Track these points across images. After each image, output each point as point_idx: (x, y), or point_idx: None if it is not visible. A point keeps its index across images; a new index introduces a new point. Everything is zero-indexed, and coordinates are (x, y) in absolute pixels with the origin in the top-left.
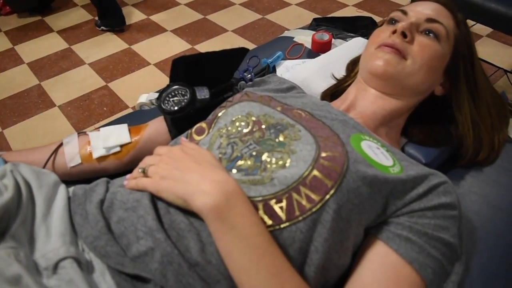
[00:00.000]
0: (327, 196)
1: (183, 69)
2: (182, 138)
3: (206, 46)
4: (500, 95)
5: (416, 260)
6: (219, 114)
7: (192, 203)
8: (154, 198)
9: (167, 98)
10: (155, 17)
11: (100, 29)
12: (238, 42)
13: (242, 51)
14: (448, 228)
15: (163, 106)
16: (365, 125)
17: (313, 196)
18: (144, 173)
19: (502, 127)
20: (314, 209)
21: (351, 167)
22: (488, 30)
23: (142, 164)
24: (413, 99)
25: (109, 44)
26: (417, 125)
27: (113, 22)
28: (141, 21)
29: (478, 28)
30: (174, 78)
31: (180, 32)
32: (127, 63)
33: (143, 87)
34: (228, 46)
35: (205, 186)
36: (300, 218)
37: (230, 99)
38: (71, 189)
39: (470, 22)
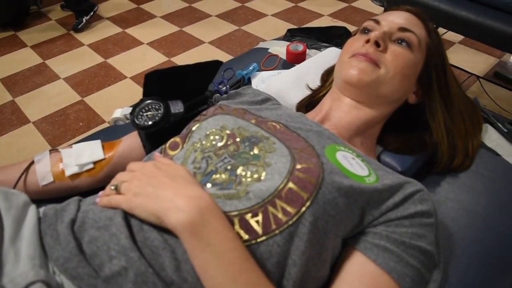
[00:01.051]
0: (303, 209)
1: (156, 83)
2: (156, 153)
3: (183, 58)
4: (473, 102)
5: (395, 270)
6: (193, 128)
7: (166, 219)
8: (127, 216)
9: (141, 113)
10: (130, 30)
11: (79, 26)
12: (215, 53)
13: (216, 64)
14: (425, 236)
15: (137, 121)
16: (340, 135)
17: (289, 208)
18: (117, 190)
19: (476, 133)
20: (290, 222)
21: (327, 178)
22: (460, 37)
23: (114, 181)
24: (387, 107)
25: (84, 58)
26: (392, 133)
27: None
28: (117, 34)
29: (450, 35)
30: (148, 92)
31: (156, 44)
32: (103, 77)
33: (119, 101)
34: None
35: (179, 202)
36: (277, 231)
37: (204, 112)
38: (42, 209)
39: (442, 30)
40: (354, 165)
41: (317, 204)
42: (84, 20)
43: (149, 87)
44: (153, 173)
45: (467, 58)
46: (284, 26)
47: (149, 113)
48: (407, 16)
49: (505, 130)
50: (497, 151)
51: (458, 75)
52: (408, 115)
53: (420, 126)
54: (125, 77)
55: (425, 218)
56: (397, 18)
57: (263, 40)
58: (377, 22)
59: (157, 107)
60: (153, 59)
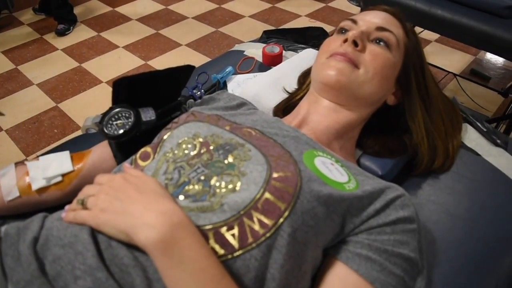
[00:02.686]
0: (281, 220)
1: (126, 90)
2: (126, 164)
3: (159, 61)
4: (452, 102)
5: (378, 280)
6: (165, 137)
7: (135, 237)
8: (95, 232)
9: (110, 122)
10: (105, 34)
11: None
12: (192, 56)
13: (188, 69)
14: (408, 243)
15: (106, 131)
16: (318, 140)
17: (266, 220)
18: (83, 204)
19: (456, 133)
20: (268, 234)
21: (305, 187)
22: (436, 35)
23: (81, 195)
24: (366, 109)
25: (58, 63)
26: (371, 136)
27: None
28: (91, 38)
29: (426, 33)
30: (117, 100)
31: (132, 48)
32: (77, 82)
33: (95, 106)
34: (182, 61)
35: (149, 218)
36: (254, 244)
37: (176, 120)
38: (3, 228)
39: (418, 29)
40: (333, 171)
41: (295, 214)
42: (71, 29)
43: (118, 94)
44: (122, 187)
45: (444, 56)
46: (262, 27)
47: (119, 121)
48: (384, 16)
49: (484, 129)
50: (477, 151)
51: (435, 73)
52: (388, 117)
53: (400, 128)
54: (101, 81)
55: (407, 224)
56: (375, 18)
57: (241, 42)
58: (354, 21)
59: (127, 115)
60: (129, 63)
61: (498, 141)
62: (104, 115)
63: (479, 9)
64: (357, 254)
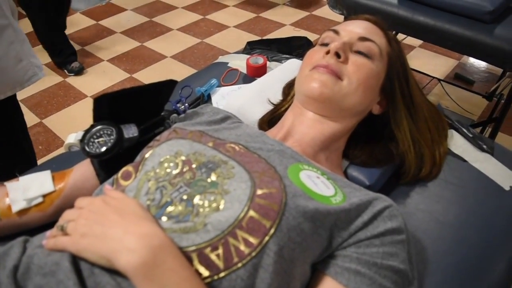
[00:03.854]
0: (267, 238)
1: (107, 107)
2: (106, 186)
3: (145, 74)
4: (437, 108)
5: None
6: (146, 156)
7: (116, 262)
8: (76, 259)
9: (92, 140)
10: (90, 48)
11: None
12: (177, 67)
13: (171, 83)
14: (397, 254)
15: (88, 149)
16: (303, 153)
17: (251, 239)
18: (63, 230)
19: (442, 140)
20: (253, 254)
21: (290, 203)
22: (420, 41)
23: (61, 220)
24: (352, 120)
25: (42, 78)
26: (357, 146)
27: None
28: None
29: (409, 39)
30: (98, 117)
31: (117, 61)
32: (62, 97)
33: (80, 122)
34: (167, 73)
35: (129, 242)
36: (239, 264)
37: (157, 137)
38: None
39: (401, 35)
40: (319, 184)
41: (281, 231)
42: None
43: (99, 111)
44: (102, 210)
45: (428, 62)
46: (247, 37)
47: (100, 139)
48: (366, 25)
49: (470, 135)
50: (464, 157)
51: (420, 78)
52: (373, 127)
53: (386, 137)
54: (86, 96)
55: (396, 235)
56: (357, 28)
57: (227, 52)
58: (336, 32)
59: (109, 132)
60: (114, 76)
61: (484, 146)
62: (85, 133)
63: (461, 15)
64: (346, 269)
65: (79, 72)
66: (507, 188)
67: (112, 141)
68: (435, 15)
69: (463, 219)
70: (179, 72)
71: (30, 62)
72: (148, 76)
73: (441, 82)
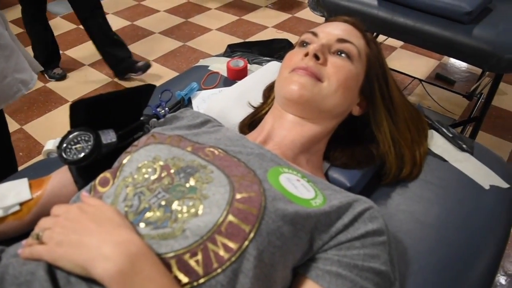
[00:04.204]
0: (246, 243)
1: (84, 113)
2: (83, 193)
3: (127, 78)
4: (416, 109)
5: None
6: (124, 161)
7: (92, 270)
8: (52, 268)
9: (69, 146)
10: (70, 52)
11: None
12: (160, 71)
13: (149, 88)
14: (379, 256)
15: (65, 156)
16: (283, 156)
17: (230, 244)
18: (39, 239)
19: (422, 140)
20: (233, 259)
21: (269, 207)
22: (401, 42)
23: (37, 229)
24: (332, 122)
25: None
26: (338, 148)
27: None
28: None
29: (390, 40)
30: (75, 123)
31: (98, 65)
32: (43, 102)
33: (62, 127)
34: (150, 76)
35: (106, 249)
36: (219, 270)
37: (135, 143)
38: None
39: (382, 37)
40: (299, 187)
41: (261, 236)
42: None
43: (76, 117)
44: (78, 218)
45: (409, 62)
46: (229, 40)
47: (78, 145)
48: (344, 27)
49: (450, 135)
50: (444, 157)
51: (402, 79)
52: (354, 128)
53: (366, 139)
54: (67, 101)
55: (377, 236)
56: (335, 30)
57: (209, 55)
58: (315, 34)
59: (86, 138)
60: (96, 81)
61: (464, 146)
62: (62, 139)
63: (440, 16)
64: (327, 271)
65: (60, 78)
66: (487, 187)
67: (89, 147)
68: (415, 16)
69: (444, 219)
70: (162, 75)
71: (14, 78)
72: (130, 80)
73: (422, 82)
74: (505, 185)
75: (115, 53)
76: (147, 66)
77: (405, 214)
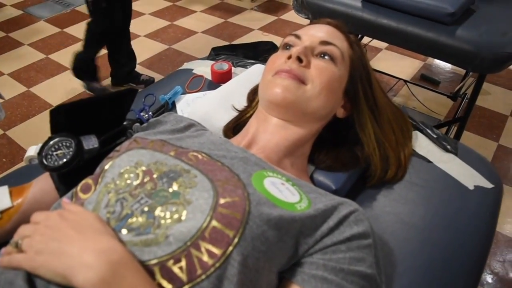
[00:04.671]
0: (230, 248)
1: (65, 119)
2: (64, 199)
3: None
4: (401, 110)
5: None
6: (106, 167)
7: (73, 279)
8: (31, 276)
9: (50, 153)
10: (54, 56)
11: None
12: (145, 74)
13: (131, 93)
14: (364, 259)
15: (46, 162)
16: (267, 159)
17: (214, 250)
18: (18, 247)
19: (406, 142)
20: (217, 265)
21: (254, 211)
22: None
23: (16, 236)
24: (316, 124)
25: (5, 88)
26: (323, 151)
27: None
28: (40, 61)
29: (375, 41)
30: (56, 129)
31: None
32: (26, 107)
33: (46, 132)
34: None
35: (87, 258)
36: (203, 276)
37: (117, 148)
38: None
39: (367, 38)
40: (283, 191)
41: (245, 241)
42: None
43: (56, 123)
44: (58, 225)
45: (394, 63)
46: (215, 42)
47: (59, 151)
48: (327, 29)
49: (434, 136)
50: (428, 158)
51: (387, 80)
52: (338, 130)
53: (351, 141)
54: (51, 105)
55: (362, 239)
56: (318, 32)
57: (195, 58)
58: (298, 37)
59: (67, 144)
60: (81, 85)
61: (448, 147)
62: (43, 145)
63: (423, 17)
64: (312, 276)
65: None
66: (471, 187)
67: (71, 153)
68: (398, 18)
69: (429, 220)
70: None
71: None
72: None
73: (408, 83)
74: (489, 185)
75: (125, 61)
76: (151, 81)
77: (390, 216)
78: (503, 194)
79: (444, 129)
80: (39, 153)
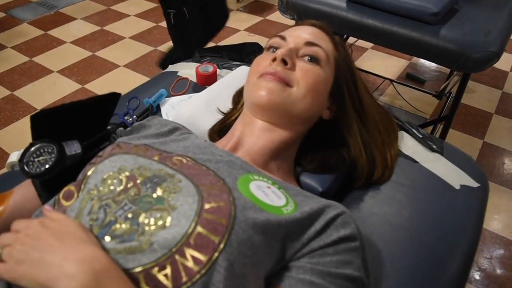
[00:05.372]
0: (216, 254)
1: (46, 124)
2: (46, 207)
3: (97, 84)
4: (386, 111)
5: None
6: (88, 173)
7: None
8: (12, 287)
9: (31, 159)
10: (38, 59)
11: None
12: (131, 76)
13: (114, 97)
14: (352, 262)
15: (27, 169)
16: (253, 162)
17: (200, 256)
18: None
19: (392, 142)
20: (203, 271)
21: (239, 216)
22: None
23: None
24: (302, 126)
25: None
26: (309, 153)
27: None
28: (23, 64)
29: (362, 41)
30: (37, 135)
31: (67, 72)
32: (10, 111)
33: (30, 136)
34: (121, 82)
35: (69, 267)
36: (189, 283)
37: (100, 153)
38: None
39: (353, 38)
40: (269, 195)
41: (231, 246)
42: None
43: (38, 129)
44: (39, 234)
45: (380, 63)
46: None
47: (41, 158)
48: (312, 31)
49: (420, 136)
50: (414, 158)
51: (373, 80)
52: (324, 132)
53: (337, 142)
54: (35, 109)
55: (350, 242)
56: (303, 33)
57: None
58: (283, 38)
59: (49, 150)
60: (65, 88)
61: (434, 146)
62: (24, 152)
63: (408, 17)
64: (300, 280)
65: None
66: (457, 187)
67: (53, 159)
68: (383, 18)
69: (416, 221)
70: (133, 81)
71: None
72: (100, 86)
73: (393, 83)
74: (475, 184)
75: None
76: None
77: (377, 217)
78: (489, 192)
79: (430, 128)
80: (20, 160)
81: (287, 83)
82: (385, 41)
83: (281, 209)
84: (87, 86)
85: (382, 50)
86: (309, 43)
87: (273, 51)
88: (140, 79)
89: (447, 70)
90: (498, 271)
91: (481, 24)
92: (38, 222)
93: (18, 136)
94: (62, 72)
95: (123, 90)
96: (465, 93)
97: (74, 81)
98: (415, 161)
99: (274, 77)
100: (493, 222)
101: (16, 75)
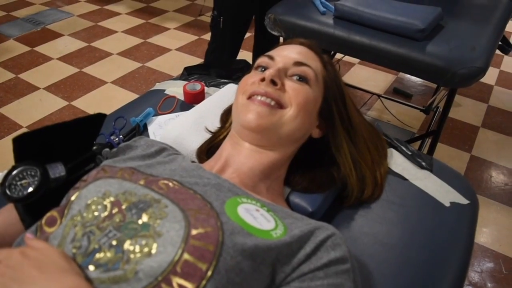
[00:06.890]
0: (203, 282)
1: (29, 146)
2: (27, 234)
3: (84, 101)
4: (375, 128)
5: None
6: (72, 198)
7: None
8: None
9: (14, 183)
10: (24, 75)
11: None
12: (118, 93)
13: (99, 118)
14: (343, 285)
15: (9, 193)
16: (242, 184)
17: (187, 284)
18: None
19: (382, 160)
20: None
21: (227, 241)
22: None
23: None
24: (291, 147)
25: None
26: (298, 172)
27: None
28: (9, 81)
29: (349, 56)
30: (20, 158)
31: (54, 89)
32: None
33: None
34: (108, 99)
35: None
36: None
37: (84, 178)
38: None
39: (340, 54)
40: (258, 218)
41: (219, 274)
42: None
43: (20, 151)
44: (19, 265)
45: (368, 78)
46: (189, 59)
47: (23, 181)
48: (301, 50)
49: (409, 153)
50: (404, 176)
51: (361, 95)
52: (314, 151)
53: (327, 162)
54: (21, 127)
55: (340, 264)
56: (291, 53)
57: (169, 76)
58: (271, 58)
59: (32, 173)
60: (52, 105)
61: (423, 163)
62: (6, 175)
63: (394, 34)
64: None
65: None
66: (447, 204)
67: (36, 182)
68: (370, 35)
69: (406, 239)
70: (120, 97)
71: None
72: (88, 103)
73: (381, 98)
74: (465, 201)
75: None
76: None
77: (368, 237)
78: (479, 208)
79: (418, 143)
80: (2, 184)
81: (280, 105)
82: (373, 57)
83: (270, 233)
84: (74, 103)
85: (369, 65)
86: (298, 63)
87: (262, 71)
88: (127, 96)
89: (434, 85)
90: (489, 285)
91: (466, 40)
92: (19, 252)
93: (3, 154)
94: (48, 89)
95: (111, 106)
96: (452, 107)
97: (61, 98)
98: (405, 179)
99: (265, 101)
100: (482, 236)
101: (2, 92)
